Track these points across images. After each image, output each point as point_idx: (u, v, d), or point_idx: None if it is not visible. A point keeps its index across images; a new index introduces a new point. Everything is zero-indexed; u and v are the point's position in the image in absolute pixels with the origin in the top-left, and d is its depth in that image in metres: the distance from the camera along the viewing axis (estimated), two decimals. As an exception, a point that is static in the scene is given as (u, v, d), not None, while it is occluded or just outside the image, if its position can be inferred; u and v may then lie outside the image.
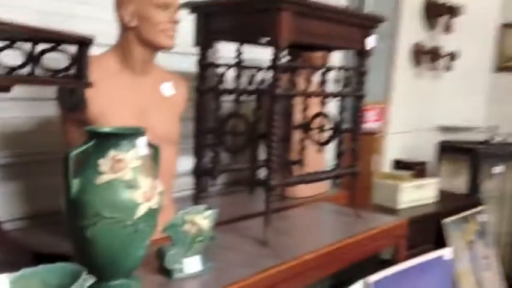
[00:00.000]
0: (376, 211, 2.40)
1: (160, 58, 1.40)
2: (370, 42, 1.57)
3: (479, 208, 2.83)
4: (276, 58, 1.27)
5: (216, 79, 1.44)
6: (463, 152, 3.19)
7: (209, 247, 1.14)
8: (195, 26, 1.43)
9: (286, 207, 1.78)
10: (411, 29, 3.04)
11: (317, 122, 1.72)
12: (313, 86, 1.85)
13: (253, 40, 1.39)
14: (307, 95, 1.54)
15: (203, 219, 1.09)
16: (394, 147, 3.08)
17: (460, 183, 3.27)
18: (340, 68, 1.56)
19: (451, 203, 2.70)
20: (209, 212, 1.11)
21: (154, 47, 1.27)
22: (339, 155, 1.65)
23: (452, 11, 3.06)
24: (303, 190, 1.90)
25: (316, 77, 1.64)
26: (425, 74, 3.27)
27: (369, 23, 1.54)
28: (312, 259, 1.30)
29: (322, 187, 2.06)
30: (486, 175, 3.14)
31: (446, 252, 1.63)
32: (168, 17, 1.25)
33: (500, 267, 2.77)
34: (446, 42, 3.31)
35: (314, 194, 2.01)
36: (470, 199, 2.94)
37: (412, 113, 3.22)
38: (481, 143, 3.25)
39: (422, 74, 3.25)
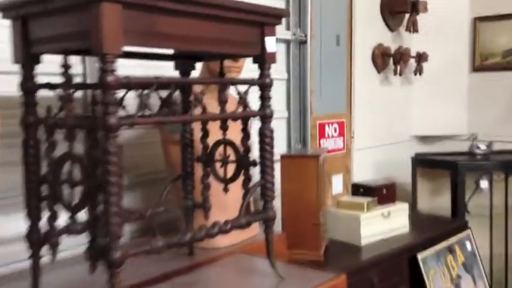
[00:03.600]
0: (335, 250, 1.98)
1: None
2: (270, 44, 1.16)
3: (464, 233, 2.40)
4: (104, 72, 0.87)
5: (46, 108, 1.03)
6: (443, 166, 2.77)
7: None
8: (11, 36, 1.03)
9: (190, 267, 1.35)
10: (370, 29, 2.65)
11: (219, 152, 1.31)
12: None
13: (83, 50, 0.97)
14: (171, 121, 1.12)
15: None
16: (362, 165, 2.67)
17: (441, 203, 2.84)
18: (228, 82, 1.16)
19: (429, 231, 2.27)
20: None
21: None
22: (245, 194, 1.23)
23: (416, 7, 2.66)
24: (223, 239, 1.48)
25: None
26: (392, 80, 2.86)
27: (264, 19, 1.14)
28: None
29: (251, 231, 1.63)
30: (471, 191, 2.71)
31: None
32: None
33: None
34: (413, 43, 2.91)
35: (239, 241, 1.58)
36: (453, 223, 2.50)
37: (381, 125, 2.80)
38: (463, 153, 2.83)
39: (389, 80, 2.85)
